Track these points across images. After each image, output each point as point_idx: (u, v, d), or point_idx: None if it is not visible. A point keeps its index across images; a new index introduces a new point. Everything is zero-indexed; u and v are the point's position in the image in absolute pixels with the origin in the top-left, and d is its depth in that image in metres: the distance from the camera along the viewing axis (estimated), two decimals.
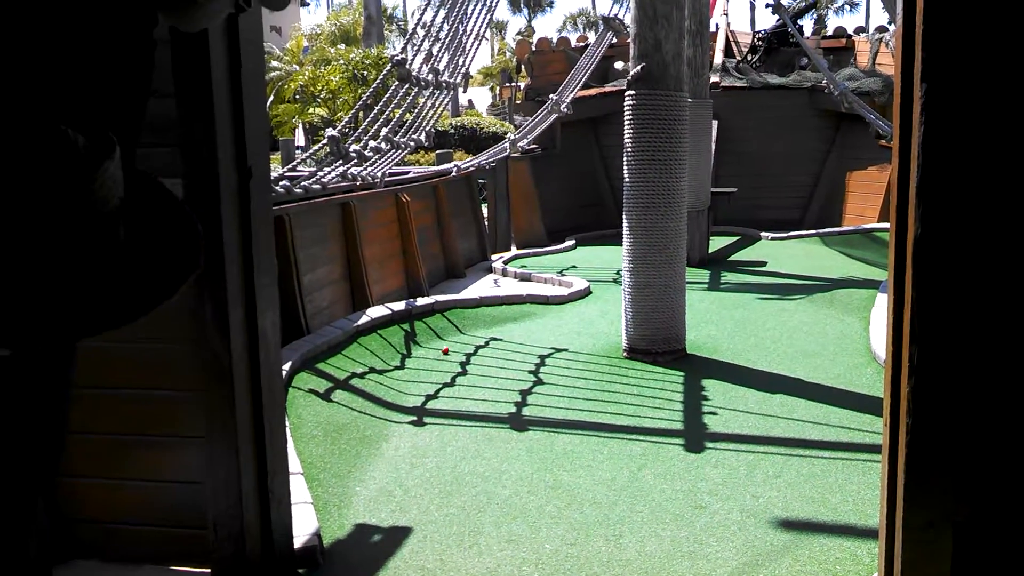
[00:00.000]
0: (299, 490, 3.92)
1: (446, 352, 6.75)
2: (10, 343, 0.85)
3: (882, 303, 7.61)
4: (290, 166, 7.71)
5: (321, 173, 6.93)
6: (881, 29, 16.76)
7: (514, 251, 12.66)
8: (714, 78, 14.64)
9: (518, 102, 19.64)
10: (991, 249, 2.29)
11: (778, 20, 16.25)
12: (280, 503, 3.38)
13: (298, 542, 3.50)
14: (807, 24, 19.33)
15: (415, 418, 5.25)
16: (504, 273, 10.64)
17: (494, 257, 11.84)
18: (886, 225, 11.44)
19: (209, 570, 3.27)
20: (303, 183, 6.60)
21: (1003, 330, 2.31)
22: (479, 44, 8.70)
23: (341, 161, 6.91)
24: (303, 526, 3.61)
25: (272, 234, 3.35)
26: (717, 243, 12.18)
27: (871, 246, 11.73)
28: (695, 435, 4.87)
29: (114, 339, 3.17)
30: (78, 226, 0.81)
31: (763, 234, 13.35)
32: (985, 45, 2.26)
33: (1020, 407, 2.31)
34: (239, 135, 3.00)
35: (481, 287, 9.81)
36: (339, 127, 7.04)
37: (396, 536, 3.72)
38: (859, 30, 17.39)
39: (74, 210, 0.80)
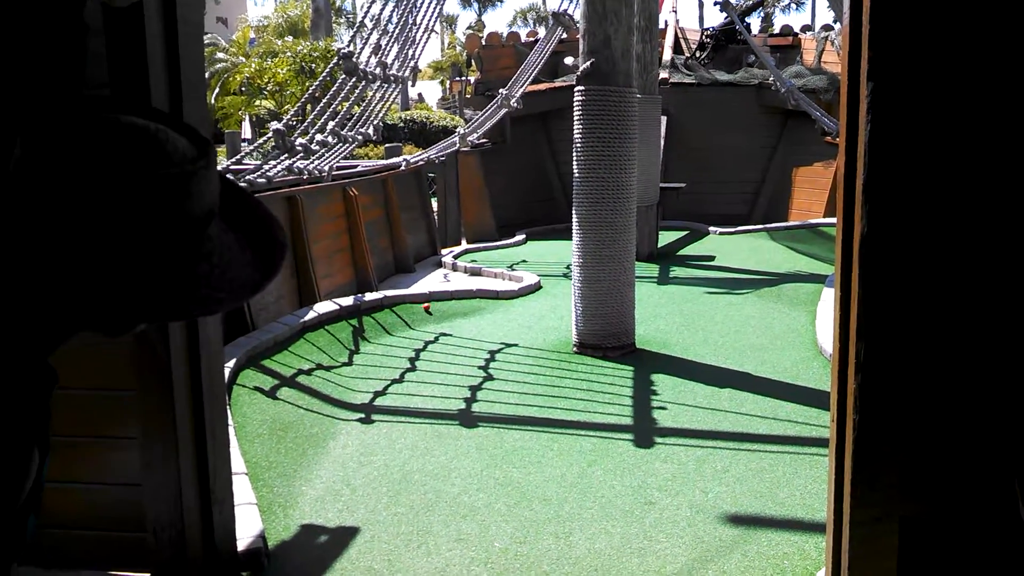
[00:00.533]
0: (243, 491, 3.83)
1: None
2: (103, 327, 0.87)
3: (828, 297, 7.71)
4: (235, 159, 7.56)
5: (267, 167, 6.81)
6: (827, 27, 17.02)
7: (464, 245, 12.61)
8: (663, 74, 14.71)
9: (468, 96, 19.58)
10: (937, 247, 2.31)
11: (726, 18, 16.40)
12: (222, 505, 3.30)
13: (242, 544, 3.43)
14: (754, 22, 19.59)
15: (363, 415, 5.18)
16: (454, 268, 10.58)
17: (444, 251, 11.78)
18: (832, 220, 11.67)
19: (149, 574, 3.18)
20: (247, 177, 6.48)
21: (948, 327, 2.32)
22: (428, 38, 8.62)
23: (287, 155, 6.79)
24: (247, 528, 3.53)
25: None
26: (666, 238, 12.28)
27: (817, 241, 11.89)
28: (645, 430, 4.87)
29: None
30: (171, 231, 0.79)
31: (711, 229, 13.49)
32: (931, 44, 2.27)
33: (965, 403, 2.33)
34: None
35: (431, 282, 9.75)
36: (285, 120, 6.92)
37: (343, 536, 3.66)
38: (805, 28, 17.66)
39: (169, 216, 0.79)
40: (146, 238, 0.78)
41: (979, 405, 2.33)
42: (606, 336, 6.48)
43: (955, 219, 2.29)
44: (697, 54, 16.66)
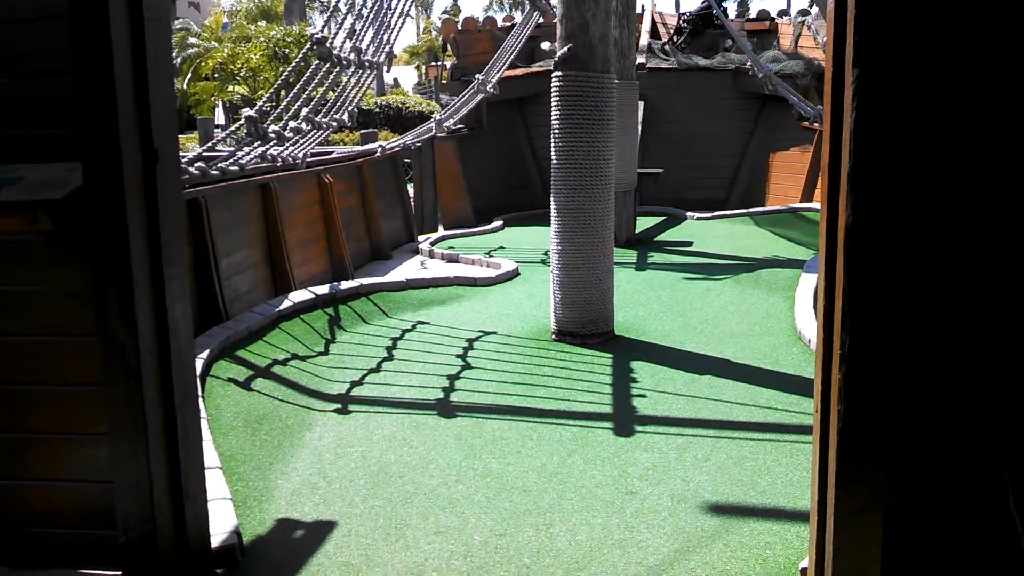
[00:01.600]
0: (217, 485, 3.76)
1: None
2: None
3: (806, 283, 7.71)
4: (207, 146, 7.43)
5: (239, 154, 6.69)
6: (803, 12, 17.01)
7: (441, 232, 12.52)
8: (640, 59, 14.66)
9: (444, 82, 19.44)
10: (923, 236, 2.27)
11: (703, 2, 16.37)
12: (195, 501, 3.23)
13: (215, 540, 3.36)
14: (731, 6, 19.54)
15: (339, 406, 5.11)
16: (431, 255, 10.51)
17: (421, 238, 11.70)
18: (813, 205, 11.72)
19: (120, 572, 3.11)
20: (220, 164, 6.36)
21: (934, 317, 2.29)
22: (403, 22, 8.51)
23: (260, 142, 6.68)
24: (221, 523, 3.46)
25: (183, 221, 3.18)
26: (644, 223, 12.25)
27: (797, 225, 11.91)
28: (625, 419, 4.84)
29: (6, 332, 2.99)
30: None
31: (689, 214, 13.48)
32: (917, 30, 2.22)
33: (951, 394, 2.31)
34: (144, 116, 2.82)
35: (407, 269, 9.67)
36: (258, 106, 6.80)
37: (320, 531, 3.60)
38: (782, 13, 17.64)
39: None
40: None
41: (966, 395, 2.30)
42: (585, 323, 6.44)
43: (942, 208, 2.25)
44: (674, 39, 16.61)
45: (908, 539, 2.43)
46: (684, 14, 17.61)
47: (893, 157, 2.29)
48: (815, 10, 16.36)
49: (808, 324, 6.48)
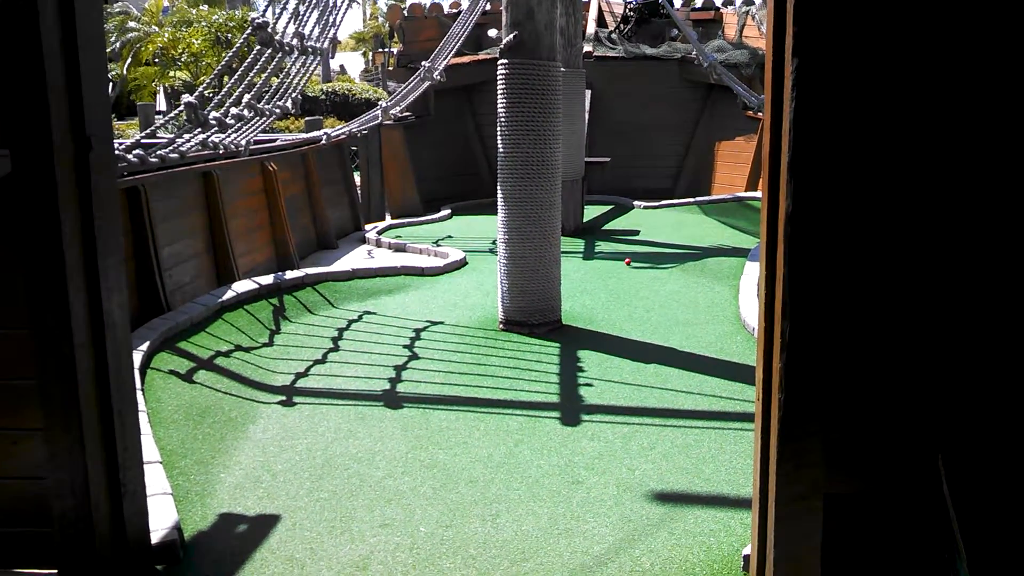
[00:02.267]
0: (157, 480, 3.69)
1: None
2: None
3: (751, 271, 7.81)
4: (146, 132, 7.27)
5: (180, 141, 6.55)
6: (748, 2, 17.19)
7: (388, 221, 12.43)
8: (587, 48, 14.68)
9: (391, 68, 19.26)
10: (862, 225, 2.30)
11: None
12: (134, 496, 3.16)
13: (156, 536, 3.29)
14: None
15: (284, 398, 5.04)
16: (378, 244, 10.42)
17: (368, 227, 11.60)
18: (758, 194, 11.84)
19: (56, 571, 3.03)
20: (159, 151, 6.21)
21: (873, 306, 2.33)
22: (348, 7, 8.39)
23: (201, 129, 6.54)
24: (161, 519, 3.39)
25: (118, 209, 3.09)
26: (591, 212, 12.30)
27: (742, 214, 12.05)
28: (571, 408, 4.85)
29: None
30: None
31: (636, 203, 13.56)
32: (856, 20, 2.24)
33: (889, 382, 2.34)
34: (75, 100, 2.73)
35: (354, 259, 9.58)
36: (199, 92, 6.65)
37: (263, 525, 3.54)
38: (726, 3, 17.79)
39: None
40: None
41: (903, 384, 2.34)
42: (532, 312, 6.44)
43: (880, 197, 2.29)
44: (621, 27, 16.67)
45: (848, 525, 2.47)
46: (631, 2, 17.67)
47: (832, 147, 2.31)
48: (759, 0, 16.55)
49: (752, 313, 6.56)
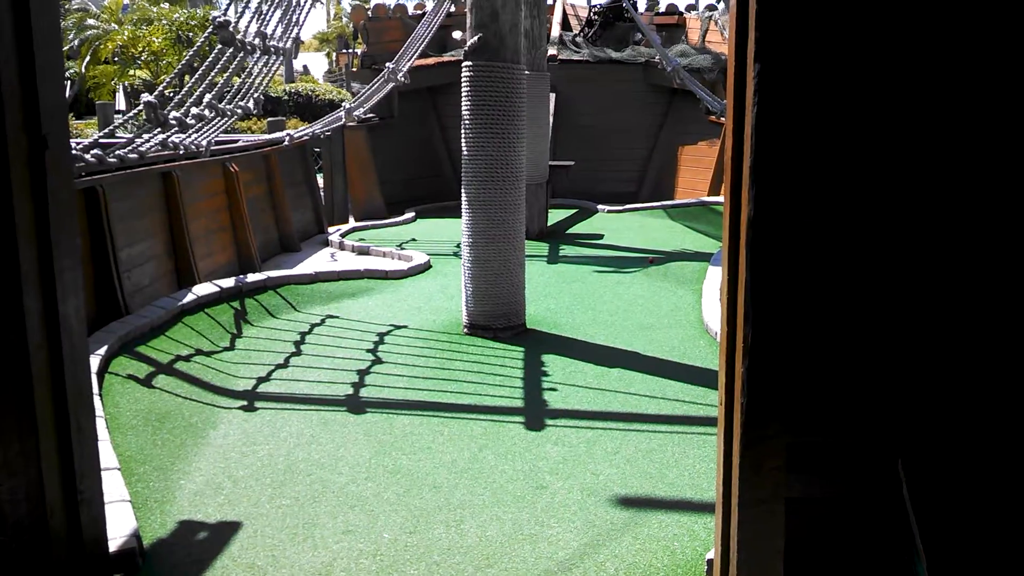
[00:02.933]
0: (115, 487, 3.62)
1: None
2: None
3: (713, 276, 7.86)
4: (105, 131, 7.14)
5: (139, 141, 6.44)
6: (711, 7, 17.34)
7: (352, 224, 12.34)
8: (551, 51, 14.71)
9: (355, 69, 19.15)
10: (823, 230, 2.32)
11: None
12: (91, 504, 3.10)
13: (113, 544, 3.23)
14: (640, 0, 19.79)
15: (245, 403, 4.98)
16: (341, 247, 10.35)
17: (331, 230, 11.51)
18: (720, 198, 11.99)
19: None
20: (118, 151, 6.11)
21: (834, 311, 2.34)
22: (311, 7, 8.32)
23: (161, 128, 6.44)
24: (119, 527, 3.33)
25: (75, 211, 3.03)
26: (555, 216, 12.32)
27: (705, 218, 12.14)
28: (535, 412, 4.85)
29: None
30: None
31: (600, 207, 13.61)
32: (819, 26, 2.26)
33: (850, 387, 2.36)
34: (30, 98, 2.67)
35: (317, 261, 9.50)
36: (159, 91, 6.55)
37: (224, 532, 3.49)
38: (690, 8, 17.94)
39: None
40: None
41: (863, 388, 2.36)
42: (496, 316, 6.43)
43: (841, 202, 2.30)
44: (585, 31, 16.73)
45: (811, 529, 2.49)
46: (595, 6, 17.76)
47: (794, 151, 2.33)
48: (722, 5, 16.70)
49: (715, 317, 6.60)
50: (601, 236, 11.17)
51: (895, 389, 2.34)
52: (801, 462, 2.46)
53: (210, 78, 6.83)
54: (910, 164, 2.25)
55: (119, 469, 3.86)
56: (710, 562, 3.05)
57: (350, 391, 5.20)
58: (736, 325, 2.51)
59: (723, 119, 12.94)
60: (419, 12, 16.41)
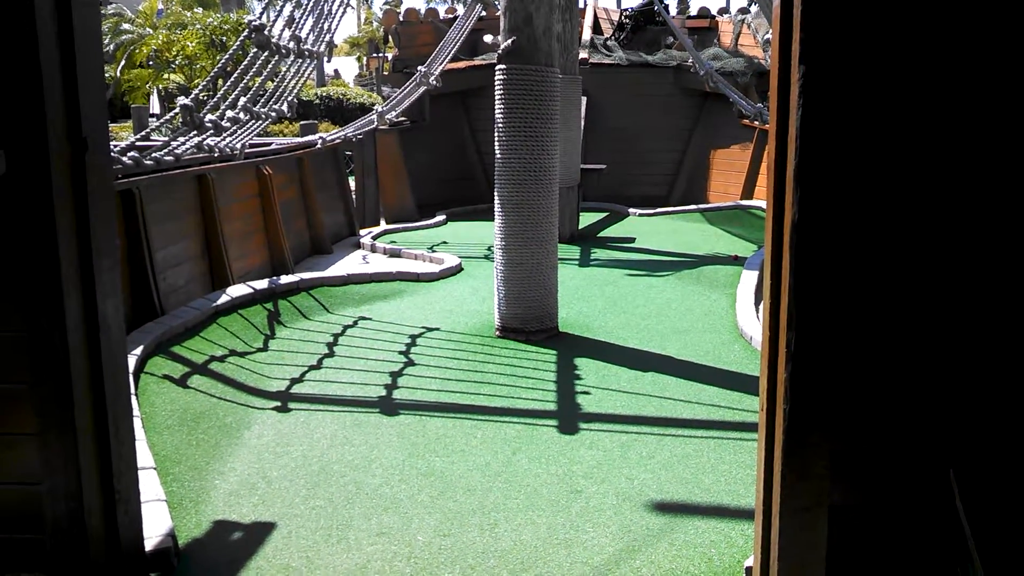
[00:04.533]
0: (151, 486, 3.64)
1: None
2: None
3: (747, 280, 7.79)
4: (141, 135, 7.22)
5: (174, 144, 6.50)
6: (743, 11, 17.22)
7: (383, 226, 12.38)
8: (582, 55, 14.67)
9: (386, 73, 19.23)
10: (869, 234, 2.27)
11: None
12: (128, 503, 3.12)
13: (149, 544, 3.25)
14: (671, 3, 19.73)
15: (279, 404, 5.00)
16: (373, 249, 10.38)
17: (362, 232, 11.55)
18: (753, 202, 11.92)
19: None
20: (154, 154, 6.17)
21: (881, 315, 2.30)
22: (344, 12, 8.36)
23: (196, 131, 6.50)
24: (155, 526, 3.35)
25: (113, 212, 3.05)
26: (586, 219, 12.28)
27: (739, 222, 12.03)
28: (569, 416, 4.82)
29: None
30: None
31: (631, 210, 13.55)
32: (865, 26, 2.22)
33: (897, 392, 2.31)
34: (72, 101, 2.69)
35: (349, 264, 9.53)
36: (194, 95, 6.60)
37: (258, 532, 3.50)
38: (722, 11, 17.84)
39: None
40: None
41: (912, 394, 2.31)
42: (529, 319, 6.41)
43: (889, 205, 2.26)
44: (616, 35, 16.68)
45: (854, 537, 2.44)
46: (626, 10, 17.70)
47: (840, 154, 2.28)
48: (755, 8, 16.58)
49: (749, 321, 6.54)
50: (633, 239, 11.12)
51: (946, 397, 2.29)
52: (845, 470, 2.41)
53: (245, 82, 6.87)
54: (962, 166, 2.20)
55: (155, 469, 3.88)
56: (749, 570, 3.00)
57: (383, 393, 5.20)
58: (779, 329, 2.47)
59: (756, 123, 12.85)
60: (450, 16, 16.45)
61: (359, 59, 48.41)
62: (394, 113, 11.76)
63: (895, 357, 2.30)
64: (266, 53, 6.88)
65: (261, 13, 7.18)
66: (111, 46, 29.97)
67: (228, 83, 6.92)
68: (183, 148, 6.55)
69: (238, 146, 7.40)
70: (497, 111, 6.36)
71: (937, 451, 2.31)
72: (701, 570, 3.18)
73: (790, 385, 2.40)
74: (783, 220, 2.42)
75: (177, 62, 26.33)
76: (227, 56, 6.79)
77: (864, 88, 2.25)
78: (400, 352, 6.05)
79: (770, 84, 2.53)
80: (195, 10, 30.12)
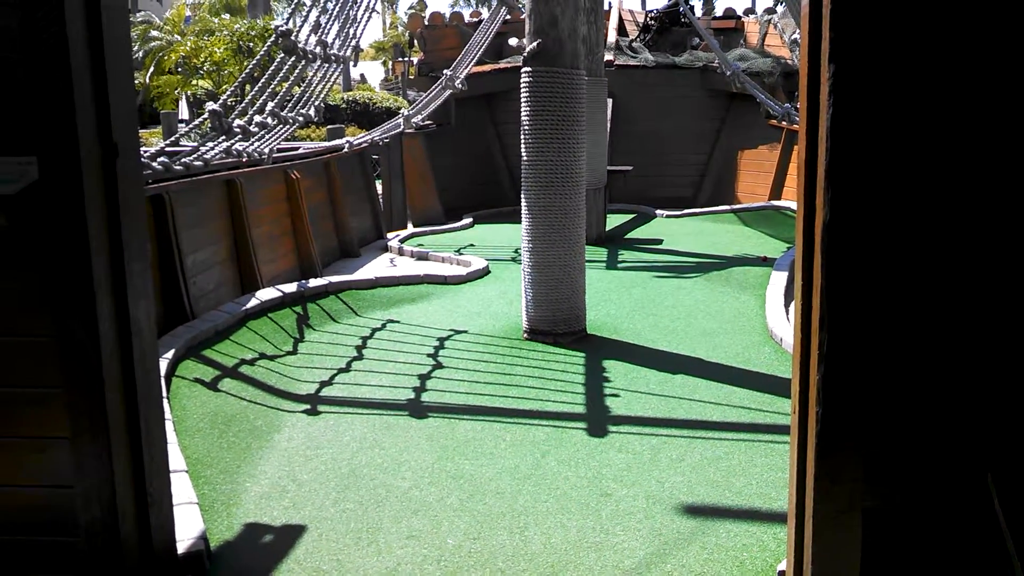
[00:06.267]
0: (183, 489, 3.66)
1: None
2: None
3: (777, 281, 7.73)
4: (170, 140, 7.28)
5: (203, 149, 6.55)
6: (769, 11, 17.10)
7: (410, 229, 12.41)
8: (608, 56, 14.64)
9: (411, 77, 19.31)
10: (903, 234, 2.24)
11: (669, 0, 16.40)
12: (160, 505, 3.14)
13: (182, 546, 3.27)
14: (697, 4, 19.67)
15: (309, 407, 5.02)
16: (400, 252, 10.41)
17: (390, 236, 11.58)
18: (782, 203, 11.80)
19: None
20: (184, 159, 6.22)
21: (914, 317, 2.26)
22: (370, 16, 8.40)
23: (224, 136, 6.54)
24: (187, 528, 3.37)
25: (144, 216, 3.08)
26: (613, 221, 12.24)
27: (767, 223, 11.93)
28: (598, 418, 4.80)
29: None
30: None
31: (658, 212, 13.49)
32: (895, 25, 2.19)
33: (932, 395, 2.28)
34: (102, 107, 2.72)
35: (377, 267, 9.56)
36: (222, 100, 6.65)
37: (289, 535, 3.52)
38: (748, 11, 17.73)
39: None
40: None
41: (947, 396, 2.28)
42: (557, 322, 6.39)
43: (922, 206, 2.23)
44: (642, 36, 16.62)
45: (888, 541, 2.41)
46: (651, 11, 17.64)
47: (871, 154, 2.25)
48: (781, 8, 16.47)
49: (779, 323, 6.48)
50: (660, 241, 11.06)
51: (984, 399, 2.25)
52: (879, 473, 2.38)
53: (272, 87, 6.92)
54: (998, 165, 2.17)
55: (187, 471, 3.91)
56: (781, 573, 2.97)
57: (412, 396, 5.21)
58: (811, 331, 2.44)
59: (783, 123, 12.75)
60: (475, 20, 16.48)
61: (385, 63, 48.61)
62: (420, 117, 11.79)
63: (930, 358, 2.27)
64: (293, 58, 6.92)
65: (288, 18, 7.21)
66: (140, 53, 30.32)
67: (255, 88, 6.97)
68: (212, 153, 6.60)
69: (266, 151, 7.44)
70: (523, 114, 6.35)
71: (974, 454, 2.27)
72: (732, 574, 3.15)
73: (822, 387, 2.38)
74: (814, 221, 2.40)
75: (205, 68, 26.56)
76: (254, 62, 6.84)
77: (895, 86, 2.22)
78: (428, 355, 6.05)
79: (799, 84, 2.50)
80: (222, 16, 30.40)
